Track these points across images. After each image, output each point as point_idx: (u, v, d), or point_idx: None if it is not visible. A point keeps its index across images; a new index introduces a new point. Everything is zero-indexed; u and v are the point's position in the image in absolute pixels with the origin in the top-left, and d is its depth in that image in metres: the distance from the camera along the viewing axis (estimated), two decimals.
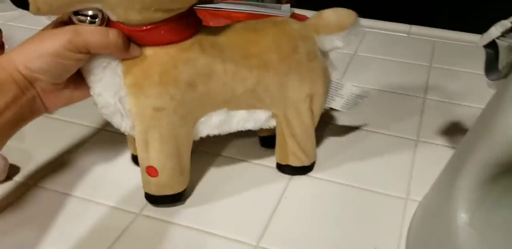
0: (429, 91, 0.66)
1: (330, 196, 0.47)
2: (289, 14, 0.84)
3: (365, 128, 0.57)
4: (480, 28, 0.41)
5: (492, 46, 0.37)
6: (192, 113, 0.41)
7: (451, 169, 0.39)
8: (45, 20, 0.38)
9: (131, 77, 0.38)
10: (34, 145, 0.53)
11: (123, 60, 0.38)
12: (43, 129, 0.55)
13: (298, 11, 0.86)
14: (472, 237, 0.33)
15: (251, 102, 0.43)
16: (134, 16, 0.35)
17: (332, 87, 0.48)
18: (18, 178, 0.48)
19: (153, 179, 0.42)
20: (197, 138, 0.43)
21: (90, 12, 0.35)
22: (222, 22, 0.81)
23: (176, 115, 0.39)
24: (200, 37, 0.39)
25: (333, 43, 0.44)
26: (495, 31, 0.36)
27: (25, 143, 0.53)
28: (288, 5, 0.90)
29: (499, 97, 0.33)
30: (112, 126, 0.42)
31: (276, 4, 0.90)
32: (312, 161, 0.50)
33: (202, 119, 0.42)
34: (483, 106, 0.36)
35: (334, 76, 0.47)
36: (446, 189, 0.37)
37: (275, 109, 0.45)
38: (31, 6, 0.32)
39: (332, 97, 0.48)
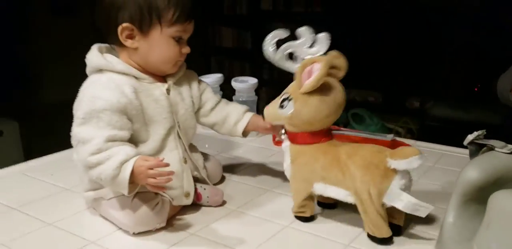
0: None
1: None
2: (390, 139, 1.26)
3: None
4: None
5: (472, 144, 0.75)
6: (307, 179, 0.82)
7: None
8: None
9: (290, 158, 0.84)
10: None
11: (291, 149, 0.83)
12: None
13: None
14: (452, 230, 0.68)
15: (336, 182, 0.80)
16: (292, 129, 0.83)
17: (393, 193, 0.73)
18: None
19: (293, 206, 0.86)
20: (316, 194, 0.83)
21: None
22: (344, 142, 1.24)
23: (299, 177, 0.84)
24: (326, 144, 0.81)
25: (397, 165, 0.73)
26: (470, 137, 0.74)
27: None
28: (392, 135, 1.31)
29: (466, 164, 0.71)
30: None
31: (384, 134, 1.33)
32: (382, 236, 0.76)
33: (315, 184, 0.82)
34: None
35: (396, 183, 0.74)
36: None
37: (351, 191, 0.77)
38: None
39: (393, 198, 0.74)
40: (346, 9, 3.52)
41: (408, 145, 1.26)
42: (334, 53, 0.81)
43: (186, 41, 0.86)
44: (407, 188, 0.76)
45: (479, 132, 0.75)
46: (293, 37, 0.82)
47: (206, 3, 4.26)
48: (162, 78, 0.88)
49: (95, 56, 0.83)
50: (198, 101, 0.94)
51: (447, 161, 1.16)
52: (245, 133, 0.97)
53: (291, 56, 0.81)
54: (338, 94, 0.80)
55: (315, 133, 0.82)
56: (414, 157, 0.73)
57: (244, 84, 1.32)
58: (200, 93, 0.95)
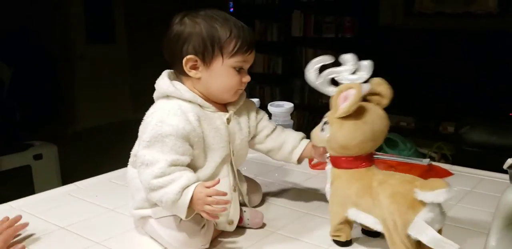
0: None
1: None
2: (427, 163, 1.26)
3: None
4: None
5: None
6: (342, 203, 0.83)
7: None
8: None
9: (330, 180, 0.85)
10: None
11: (332, 172, 0.85)
12: None
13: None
14: None
15: (367, 209, 0.79)
16: (331, 153, 0.84)
17: (418, 225, 0.71)
18: None
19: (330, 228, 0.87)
20: (350, 219, 0.83)
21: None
22: (380, 166, 1.24)
23: (335, 201, 0.84)
24: (363, 170, 0.81)
25: (423, 197, 0.71)
26: (510, 161, 0.75)
27: None
28: (428, 159, 1.32)
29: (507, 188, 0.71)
30: None
31: (420, 158, 1.33)
32: None
33: (349, 209, 0.82)
34: None
35: (423, 216, 0.71)
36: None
37: (379, 219, 0.76)
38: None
39: (418, 231, 0.71)
40: (377, 34, 3.56)
41: (444, 169, 1.27)
42: (377, 80, 0.82)
43: (246, 70, 0.89)
44: (435, 222, 0.74)
45: None
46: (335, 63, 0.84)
47: None
48: (224, 107, 0.91)
49: (165, 83, 0.87)
50: (254, 130, 0.97)
51: (486, 186, 1.16)
52: (299, 160, 0.98)
53: (333, 82, 0.83)
54: (377, 121, 0.81)
55: (353, 158, 0.82)
56: (441, 190, 0.70)
57: (280, 108, 1.35)
58: (256, 123, 0.97)
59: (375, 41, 3.49)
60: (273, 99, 4.11)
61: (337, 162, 0.84)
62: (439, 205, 0.74)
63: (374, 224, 0.79)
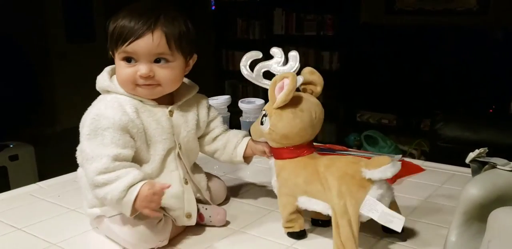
0: None
1: None
2: (398, 160, 1.25)
3: None
4: None
5: (475, 162, 0.74)
6: (291, 193, 0.83)
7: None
8: None
9: (275, 174, 0.85)
10: None
11: (275, 165, 0.85)
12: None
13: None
14: None
15: (317, 195, 0.79)
16: (273, 145, 0.84)
17: (369, 203, 0.74)
18: None
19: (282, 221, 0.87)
20: (301, 207, 0.83)
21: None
22: None
23: (284, 192, 0.84)
24: (306, 158, 0.82)
25: (371, 175, 0.73)
26: (472, 155, 0.74)
27: None
28: (400, 155, 1.31)
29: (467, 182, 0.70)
30: None
31: (392, 154, 1.32)
32: None
33: (299, 197, 0.82)
34: None
35: (373, 193, 0.74)
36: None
37: (329, 204, 0.77)
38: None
39: (369, 209, 0.74)
40: (358, 32, 3.55)
41: (416, 165, 1.25)
42: (308, 69, 0.85)
43: (148, 62, 0.82)
44: (385, 197, 0.76)
45: (481, 150, 0.74)
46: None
47: (220, 28, 4.34)
48: (170, 100, 0.89)
49: (102, 78, 0.87)
50: (205, 126, 0.95)
51: (456, 182, 1.15)
52: (246, 159, 0.96)
53: (267, 75, 0.85)
54: (313, 108, 0.82)
55: (295, 148, 0.83)
56: (387, 166, 0.73)
57: (251, 105, 1.33)
58: (209, 120, 0.95)
59: (356, 39, 3.49)
60: (256, 97, 4.09)
61: (279, 153, 0.85)
62: (385, 181, 0.76)
63: (324, 209, 0.80)
